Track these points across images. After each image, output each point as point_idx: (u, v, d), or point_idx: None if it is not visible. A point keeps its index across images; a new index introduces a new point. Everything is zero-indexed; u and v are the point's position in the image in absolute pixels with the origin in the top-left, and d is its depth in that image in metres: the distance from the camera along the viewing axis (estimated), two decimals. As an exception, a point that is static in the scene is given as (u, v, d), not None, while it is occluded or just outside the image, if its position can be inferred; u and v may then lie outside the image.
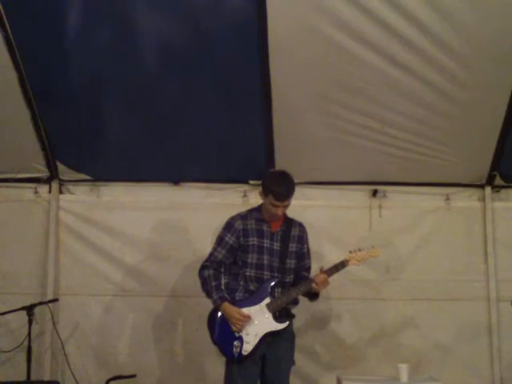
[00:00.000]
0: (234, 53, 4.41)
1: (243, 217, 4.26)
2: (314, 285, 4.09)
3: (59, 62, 4.52)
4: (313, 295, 4.23)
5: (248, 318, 4.07)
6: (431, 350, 5.08)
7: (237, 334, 4.08)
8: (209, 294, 4.18)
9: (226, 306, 4.10)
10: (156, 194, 5.26)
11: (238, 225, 4.22)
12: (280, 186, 4.08)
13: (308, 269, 4.33)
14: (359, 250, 4.17)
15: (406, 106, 4.62)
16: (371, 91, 4.54)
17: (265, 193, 4.15)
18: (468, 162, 5.07)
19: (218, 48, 4.40)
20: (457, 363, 5.05)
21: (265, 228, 4.21)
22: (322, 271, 4.11)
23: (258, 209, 4.26)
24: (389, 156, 4.96)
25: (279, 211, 4.11)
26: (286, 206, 4.13)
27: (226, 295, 4.15)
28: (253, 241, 4.19)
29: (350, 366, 5.04)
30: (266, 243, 4.19)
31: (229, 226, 4.25)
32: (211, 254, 4.25)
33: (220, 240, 4.24)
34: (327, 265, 4.15)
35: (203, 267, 4.24)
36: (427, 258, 5.15)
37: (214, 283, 4.17)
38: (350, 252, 4.16)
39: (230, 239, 4.21)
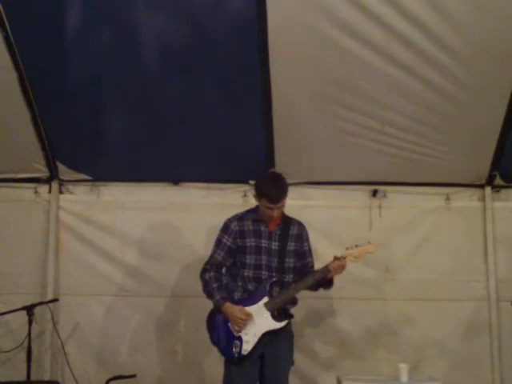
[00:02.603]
0: (234, 53, 4.41)
1: (240, 218, 4.27)
2: (330, 268, 4.08)
3: (59, 62, 4.52)
4: (327, 283, 4.22)
5: (250, 317, 4.07)
6: (431, 350, 5.08)
7: (236, 334, 4.09)
8: (211, 296, 4.19)
9: (228, 305, 4.11)
10: (156, 193, 5.26)
11: (235, 226, 4.23)
12: (272, 189, 4.09)
13: (312, 267, 4.33)
14: (356, 246, 4.17)
15: (405, 105, 4.62)
16: (371, 91, 4.54)
17: (258, 196, 4.17)
18: (468, 162, 5.07)
19: (218, 48, 4.40)
20: (457, 363, 5.05)
21: (262, 228, 4.22)
22: (335, 258, 4.11)
23: (255, 209, 4.27)
24: (389, 156, 4.96)
25: (274, 213, 4.12)
26: (281, 207, 4.14)
27: (227, 296, 4.16)
28: (250, 241, 4.20)
29: (350, 366, 5.04)
30: (264, 243, 4.20)
31: (225, 227, 4.26)
32: (211, 257, 4.26)
33: (218, 242, 4.26)
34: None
35: (204, 270, 4.25)
36: (427, 258, 5.15)
37: (215, 285, 4.18)
38: (347, 249, 4.16)
39: (227, 241, 4.22)
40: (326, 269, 4.11)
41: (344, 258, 4.13)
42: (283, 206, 4.16)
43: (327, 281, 4.18)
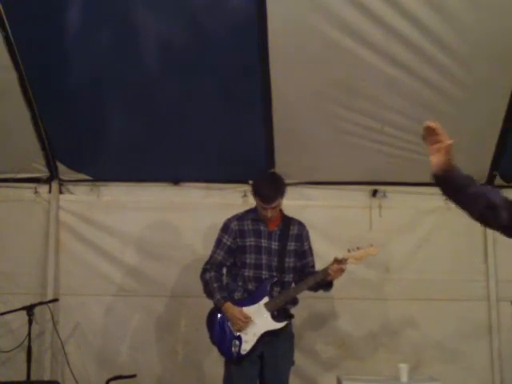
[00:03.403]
0: (234, 53, 4.41)
1: (239, 218, 4.27)
2: (330, 271, 4.09)
3: (59, 62, 4.52)
4: (327, 285, 4.22)
5: (249, 320, 4.08)
6: (431, 350, 5.08)
7: (236, 334, 4.09)
8: (211, 296, 4.19)
9: (229, 305, 4.11)
10: (156, 193, 5.26)
11: (234, 225, 4.23)
12: (265, 189, 4.10)
13: (312, 266, 4.34)
14: (357, 248, 4.17)
15: (405, 105, 4.62)
16: (371, 91, 4.54)
17: (254, 196, 4.18)
18: (468, 162, 5.02)
19: (218, 48, 4.39)
20: (457, 363, 5.04)
21: (262, 228, 4.22)
22: (336, 260, 4.11)
23: (255, 209, 4.28)
24: (389, 156, 4.95)
25: (268, 213, 4.13)
26: (275, 208, 4.13)
27: (227, 295, 4.16)
28: (250, 241, 4.20)
29: (350, 366, 5.04)
30: (264, 243, 4.20)
31: (225, 227, 4.27)
32: (211, 257, 4.27)
33: (218, 242, 4.26)
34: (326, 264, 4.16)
35: (204, 270, 4.26)
36: (427, 258, 5.15)
37: (215, 284, 4.18)
38: (349, 251, 4.16)
39: (227, 240, 4.23)
40: (325, 271, 4.11)
41: (345, 259, 4.13)
42: (278, 206, 4.16)
43: (327, 283, 4.19)
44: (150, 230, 5.23)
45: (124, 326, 5.20)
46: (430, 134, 2.54)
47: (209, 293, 4.20)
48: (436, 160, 2.59)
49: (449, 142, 2.54)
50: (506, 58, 4.27)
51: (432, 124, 2.51)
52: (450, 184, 2.77)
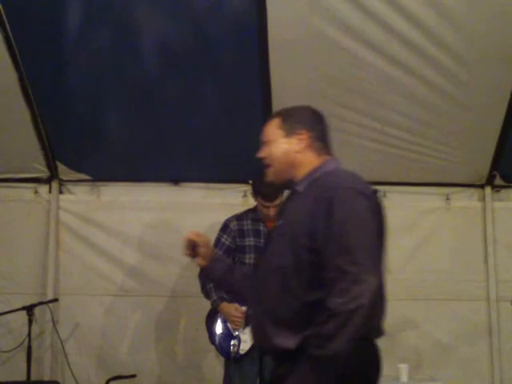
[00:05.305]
0: (234, 53, 4.41)
1: (239, 218, 4.28)
2: None
3: (59, 62, 4.52)
4: None
5: (245, 314, 4.08)
6: (431, 350, 5.07)
7: (234, 334, 4.09)
8: (208, 296, 4.20)
9: (225, 305, 4.12)
10: (156, 194, 5.25)
11: (233, 225, 4.24)
12: (267, 187, 4.08)
13: None
14: None
15: (405, 105, 4.62)
16: (371, 91, 4.54)
17: (254, 195, 4.18)
18: (468, 162, 5.06)
19: (218, 48, 4.40)
20: (457, 363, 5.04)
21: (261, 228, 4.23)
22: None
23: (255, 209, 4.28)
24: (389, 156, 4.95)
25: (270, 211, 4.12)
26: (277, 206, 4.13)
27: (225, 295, 4.16)
28: (249, 241, 4.21)
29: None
30: (263, 243, 4.20)
31: (224, 227, 4.28)
32: (209, 256, 4.26)
33: (217, 241, 4.27)
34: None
35: (202, 270, 4.25)
36: (427, 258, 5.15)
37: (211, 284, 4.18)
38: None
39: (226, 240, 4.23)
40: None
41: None
42: (280, 204, 4.15)
43: None
44: (150, 230, 5.22)
45: (124, 326, 5.19)
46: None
47: (206, 293, 4.21)
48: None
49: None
50: (507, 59, 4.27)
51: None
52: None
